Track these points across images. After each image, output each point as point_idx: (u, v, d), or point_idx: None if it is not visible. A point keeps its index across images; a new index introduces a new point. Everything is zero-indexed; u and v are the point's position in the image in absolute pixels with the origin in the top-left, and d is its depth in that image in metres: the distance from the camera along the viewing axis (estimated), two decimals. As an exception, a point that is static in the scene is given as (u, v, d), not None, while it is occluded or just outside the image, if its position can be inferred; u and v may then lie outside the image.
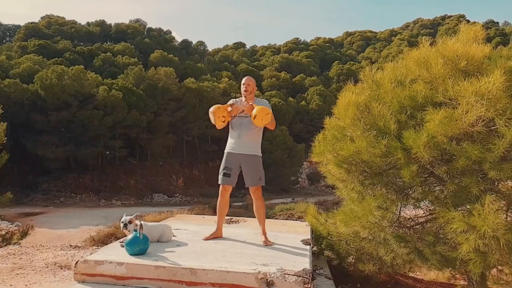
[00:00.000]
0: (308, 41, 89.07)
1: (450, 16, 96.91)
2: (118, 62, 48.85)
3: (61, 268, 4.56)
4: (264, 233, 4.14)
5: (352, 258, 4.85)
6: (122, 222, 3.67)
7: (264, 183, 4.20)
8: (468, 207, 3.92)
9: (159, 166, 40.93)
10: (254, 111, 4.01)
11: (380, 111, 4.08)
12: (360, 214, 4.21)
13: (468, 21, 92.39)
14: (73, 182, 34.78)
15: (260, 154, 4.24)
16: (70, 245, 6.28)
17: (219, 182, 4.21)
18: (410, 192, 4.23)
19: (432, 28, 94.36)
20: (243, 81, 4.32)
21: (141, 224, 3.47)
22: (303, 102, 52.75)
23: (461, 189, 3.57)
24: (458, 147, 3.64)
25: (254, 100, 4.29)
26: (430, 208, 4.24)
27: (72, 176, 35.04)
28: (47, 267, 4.57)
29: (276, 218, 25.25)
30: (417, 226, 4.50)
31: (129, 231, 3.60)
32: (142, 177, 38.92)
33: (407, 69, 4.41)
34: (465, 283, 4.85)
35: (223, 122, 4.13)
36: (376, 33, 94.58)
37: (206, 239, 4.12)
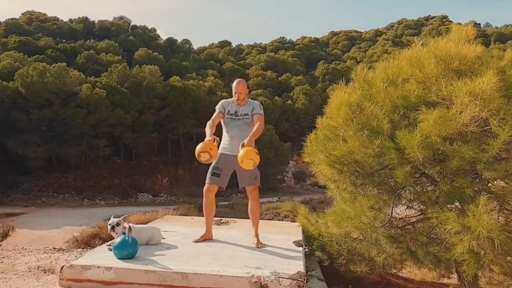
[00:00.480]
0: (294, 40, 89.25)
1: (433, 17, 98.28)
2: (102, 60, 48.18)
3: (45, 272, 4.40)
4: (257, 235, 4.07)
5: (344, 259, 4.81)
6: (109, 224, 3.54)
7: (260, 183, 4.13)
8: (459, 207, 3.92)
9: (143, 165, 40.52)
10: (240, 155, 3.75)
11: (372, 111, 4.04)
12: (352, 214, 4.17)
13: (451, 22, 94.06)
14: (55, 182, 34.17)
15: None
16: (54, 248, 6.09)
17: (207, 180, 4.10)
18: (402, 193, 4.20)
19: (416, 29, 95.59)
20: (234, 85, 4.22)
21: (129, 227, 3.36)
22: (289, 101, 52.84)
23: (455, 190, 3.56)
24: (452, 147, 3.63)
25: (247, 101, 4.24)
26: (422, 208, 4.22)
27: (54, 176, 34.42)
28: (30, 271, 4.41)
29: (262, 218, 25.24)
30: (409, 226, 4.49)
31: (116, 233, 3.48)
32: (126, 176, 38.46)
33: (399, 68, 4.39)
34: (456, 282, 4.86)
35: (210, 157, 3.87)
36: (361, 33, 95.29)
37: (196, 241, 4.02)
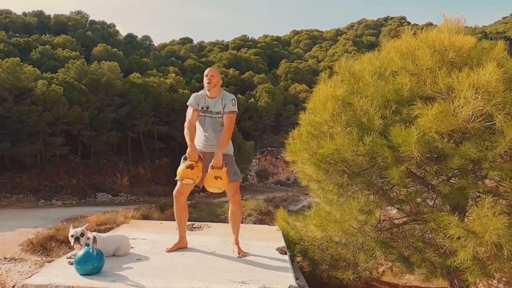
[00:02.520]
0: (256, 38, 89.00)
1: (392, 18, 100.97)
2: (58, 56, 46.01)
3: (-7, 289, 3.81)
4: (237, 243, 3.67)
5: (327, 265, 4.50)
6: (72, 236, 3.03)
7: (241, 179, 3.73)
8: (448, 209, 3.69)
9: (102, 164, 39.02)
10: (206, 180, 3.50)
11: (362, 105, 3.74)
12: (339, 218, 3.87)
13: (409, 23, 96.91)
14: (8, 182, 32.19)
15: (231, 152, 3.76)
16: (5, 258, 5.42)
17: (178, 181, 3.64)
18: (393, 194, 3.94)
19: (376, 29, 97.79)
20: (206, 72, 3.76)
21: (94, 237, 2.87)
22: (252, 100, 52.48)
23: (455, 191, 3.32)
24: (451, 145, 3.38)
25: (220, 94, 3.75)
26: (413, 210, 3.98)
27: (8, 176, 32.43)
28: (-26, 289, 3.80)
29: (225, 216, 24.79)
30: (395, 229, 4.24)
31: (81, 245, 2.98)
32: (84, 176, 36.89)
33: (389, 60, 4.12)
34: (443, 286, 4.66)
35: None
36: (322, 32, 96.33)
37: (169, 250, 3.57)
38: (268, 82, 57.68)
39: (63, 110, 32.89)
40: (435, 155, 3.50)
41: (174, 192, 3.68)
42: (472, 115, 3.18)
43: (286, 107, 49.32)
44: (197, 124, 3.76)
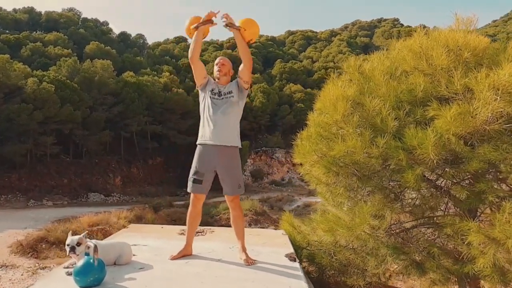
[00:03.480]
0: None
1: (386, 19, 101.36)
2: (50, 53, 45.39)
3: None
4: (244, 250, 3.48)
5: (335, 271, 4.35)
6: (68, 245, 2.83)
7: (244, 190, 3.55)
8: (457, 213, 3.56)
9: (95, 164, 38.57)
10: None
11: (374, 106, 3.58)
12: (350, 223, 3.71)
13: (402, 25, 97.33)
14: (-3, 182, 31.66)
15: (240, 145, 3.50)
16: (-4, 263, 5.20)
17: (188, 190, 3.48)
18: (405, 198, 3.80)
19: (369, 30, 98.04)
20: (216, 61, 3.61)
21: (95, 246, 2.68)
22: (247, 99, 52.24)
23: (474, 195, 3.18)
24: (467, 147, 3.25)
25: (229, 85, 3.56)
26: (427, 215, 3.84)
27: (-4, 175, 31.89)
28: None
29: (220, 217, 24.50)
30: (403, 233, 4.10)
31: (78, 255, 2.79)
32: (76, 176, 36.43)
33: (400, 60, 3.97)
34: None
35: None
36: (317, 33, 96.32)
37: (174, 258, 3.38)
38: (263, 82, 57.53)
39: (55, 109, 32.43)
40: (451, 158, 3.36)
41: (191, 198, 3.49)
42: (492, 116, 3.04)
43: (281, 107, 49.17)
44: (203, 113, 3.49)
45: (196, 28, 3.50)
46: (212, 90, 3.49)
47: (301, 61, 70.72)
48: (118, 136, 39.92)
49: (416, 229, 4.14)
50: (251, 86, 3.55)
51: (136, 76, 42.84)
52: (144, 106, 40.23)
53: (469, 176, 3.25)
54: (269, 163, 43.75)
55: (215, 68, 3.56)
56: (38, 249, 14.47)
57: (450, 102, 3.39)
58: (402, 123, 3.49)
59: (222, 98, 3.44)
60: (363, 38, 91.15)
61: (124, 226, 19.57)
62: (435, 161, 3.19)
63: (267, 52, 74.84)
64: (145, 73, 46.31)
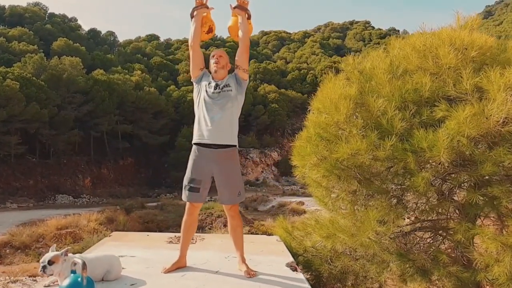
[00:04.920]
0: (225, 37, 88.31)
1: (357, 22, 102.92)
2: (14, 49, 43.63)
3: None
4: (244, 261, 3.19)
5: (333, 278, 4.11)
6: (41, 262, 2.44)
7: (244, 198, 3.24)
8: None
9: (63, 165, 37.30)
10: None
11: (379, 106, 3.38)
12: (352, 228, 3.49)
13: (373, 27, 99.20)
14: (-44, 184, 30.10)
15: (237, 144, 3.17)
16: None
17: (183, 199, 3.14)
18: (409, 202, 3.61)
19: (342, 32, 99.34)
20: (213, 53, 3.24)
21: (84, 263, 2.31)
22: (219, 99, 51.83)
23: (488, 200, 3.02)
24: (479, 150, 3.08)
25: (227, 78, 3.20)
26: (432, 219, 3.66)
27: (-44, 177, 30.32)
28: None
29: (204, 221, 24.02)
30: (407, 239, 3.92)
31: (48, 276, 2.38)
32: (43, 177, 35.09)
33: (402, 58, 3.78)
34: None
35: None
36: (290, 34, 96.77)
37: (168, 271, 3.04)
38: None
39: (19, 107, 31.11)
40: (460, 161, 3.20)
41: (187, 206, 3.15)
42: (506, 117, 2.89)
43: (256, 107, 48.98)
44: (198, 109, 3.16)
45: (192, 15, 3.26)
46: (209, 83, 3.16)
47: (275, 62, 70.80)
48: (87, 135, 38.82)
49: (417, 233, 3.97)
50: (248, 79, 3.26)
51: (106, 74, 41.77)
52: (114, 105, 39.25)
53: (479, 181, 3.08)
54: (244, 163, 43.47)
55: (212, 61, 3.21)
56: (2, 254, 13.68)
57: (457, 102, 3.23)
58: (407, 124, 3.30)
59: (219, 92, 3.10)
60: (336, 40, 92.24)
61: (95, 229, 18.84)
62: (446, 165, 3.00)
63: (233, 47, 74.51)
64: (116, 71, 45.24)
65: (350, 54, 4.48)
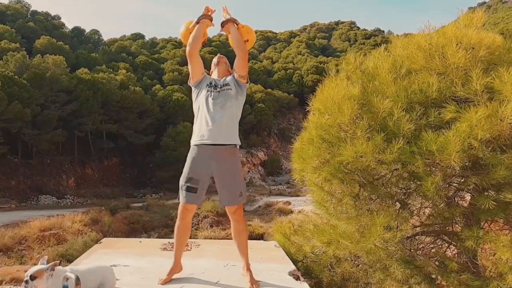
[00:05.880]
0: (211, 36, 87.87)
1: (343, 22, 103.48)
2: (-5, 47, 42.57)
3: None
4: (248, 268, 3.04)
5: (334, 286, 3.99)
6: (25, 276, 2.22)
7: (245, 199, 3.10)
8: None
9: (46, 165, 36.55)
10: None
11: (385, 107, 3.26)
12: (356, 235, 3.37)
13: (358, 28, 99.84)
14: None
15: (239, 143, 3.09)
16: None
17: (181, 200, 2.99)
18: (415, 207, 3.50)
19: (327, 32, 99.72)
20: (215, 59, 3.42)
21: (77, 278, 2.12)
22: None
23: (501, 205, 2.92)
24: (491, 153, 2.98)
25: (226, 78, 3.25)
26: (438, 223, 3.56)
27: None
28: None
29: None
30: (412, 245, 3.81)
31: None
32: (25, 177, 34.32)
33: (405, 57, 3.67)
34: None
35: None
36: (276, 33, 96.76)
37: (165, 282, 2.88)
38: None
39: (1, 106, 30.38)
40: (470, 164, 3.10)
41: (180, 209, 3.00)
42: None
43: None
44: (198, 109, 3.08)
45: (198, 22, 3.21)
46: (210, 83, 3.12)
47: (261, 61, 70.69)
48: (71, 135, 38.13)
49: (420, 238, 3.88)
50: (248, 82, 3.15)
51: (91, 73, 41.09)
52: (99, 104, 38.64)
53: (496, 185, 2.99)
54: (230, 164, 43.19)
55: (215, 60, 3.38)
56: (-18, 257, 13.28)
57: (465, 103, 3.13)
58: (415, 126, 3.19)
59: (219, 91, 3.06)
60: (322, 40, 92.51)
61: (79, 231, 18.36)
62: (457, 168, 2.90)
63: (227, 51, 74.21)
64: (100, 70, 44.50)
65: (336, 54, 4.36)
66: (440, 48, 3.37)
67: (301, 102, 64.16)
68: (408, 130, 3.12)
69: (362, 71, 3.79)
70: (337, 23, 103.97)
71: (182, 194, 2.95)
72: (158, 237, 17.51)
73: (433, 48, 3.42)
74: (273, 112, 51.95)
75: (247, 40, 3.31)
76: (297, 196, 33.29)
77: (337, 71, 4.05)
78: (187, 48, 3.17)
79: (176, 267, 3.02)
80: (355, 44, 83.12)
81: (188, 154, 3.04)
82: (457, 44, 3.28)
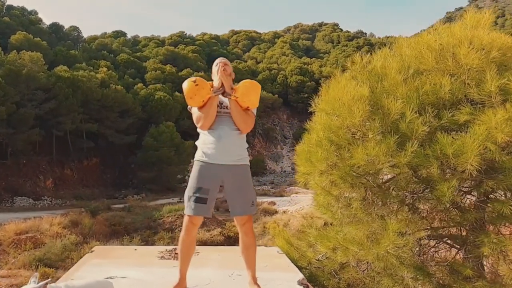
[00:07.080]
0: (194, 35, 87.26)
1: (326, 24, 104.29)
2: (-31, 42, 41.22)
3: None
4: (255, 281, 2.84)
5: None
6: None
7: (256, 210, 2.90)
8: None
9: (22, 165, 35.50)
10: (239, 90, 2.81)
11: (397, 108, 3.12)
12: (365, 240, 3.22)
13: (341, 29, 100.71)
14: None
15: (249, 162, 2.89)
16: None
17: (188, 211, 2.75)
18: (425, 212, 3.37)
19: (311, 33, 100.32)
20: (216, 61, 2.97)
21: None
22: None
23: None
24: (507, 157, 2.87)
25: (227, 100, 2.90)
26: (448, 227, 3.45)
27: None
28: None
29: (163, 220, 23.24)
30: (422, 251, 3.69)
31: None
32: (0, 178, 33.27)
33: (413, 57, 3.54)
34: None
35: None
36: (260, 34, 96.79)
37: None
38: (207, 80, 56.44)
39: (-25, 104, 29.36)
40: (485, 169, 2.98)
41: (185, 222, 2.77)
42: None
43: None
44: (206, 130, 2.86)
45: (216, 93, 2.83)
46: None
47: (246, 61, 70.51)
48: (49, 134, 37.14)
49: (429, 242, 3.76)
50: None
51: (70, 71, 40.10)
52: (79, 103, 37.77)
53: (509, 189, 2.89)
54: (213, 164, 42.80)
55: (215, 69, 2.94)
56: (-49, 262, 12.72)
57: (479, 105, 3.02)
58: (429, 128, 3.06)
59: (227, 112, 2.84)
60: (305, 41, 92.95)
61: (58, 234, 17.75)
62: (474, 172, 2.77)
63: (211, 51, 73.77)
64: (80, 68, 43.52)
65: (319, 55, 4.21)
66: (451, 48, 3.25)
67: (285, 103, 64.32)
68: (422, 133, 2.97)
69: (369, 71, 3.64)
70: (320, 25, 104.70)
71: (190, 206, 2.71)
72: (141, 239, 17.12)
73: (444, 49, 3.30)
74: (258, 113, 51.86)
75: (248, 108, 2.91)
76: (282, 196, 33.20)
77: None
78: (200, 124, 2.86)
79: (182, 283, 2.80)
80: (338, 45, 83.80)
81: (193, 168, 2.83)
82: (468, 45, 3.17)
